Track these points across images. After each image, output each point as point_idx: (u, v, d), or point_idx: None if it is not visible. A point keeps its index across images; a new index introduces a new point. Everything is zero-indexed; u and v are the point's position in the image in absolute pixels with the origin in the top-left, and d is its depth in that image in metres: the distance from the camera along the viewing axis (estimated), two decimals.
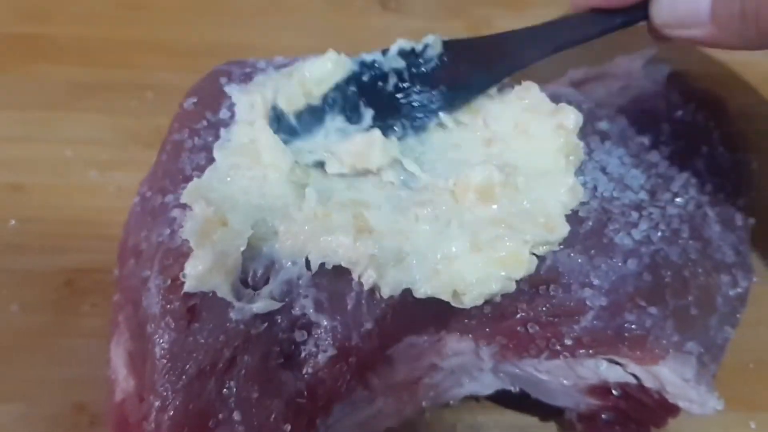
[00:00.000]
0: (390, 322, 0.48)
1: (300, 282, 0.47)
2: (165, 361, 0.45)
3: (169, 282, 0.47)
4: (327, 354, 0.46)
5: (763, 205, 0.65)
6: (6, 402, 0.56)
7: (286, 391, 0.46)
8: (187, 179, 0.51)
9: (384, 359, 0.50)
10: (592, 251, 0.51)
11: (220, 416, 0.45)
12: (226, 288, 0.46)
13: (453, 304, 0.47)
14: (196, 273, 0.46)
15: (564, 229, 0.49)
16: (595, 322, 0.50)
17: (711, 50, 0.85)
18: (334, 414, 0.48)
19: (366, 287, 0.47)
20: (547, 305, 0.50)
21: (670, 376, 0.50)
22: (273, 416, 0.45)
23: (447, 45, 0.55)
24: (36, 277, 0.61)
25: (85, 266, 0.62)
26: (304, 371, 0.46)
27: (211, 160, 0.52)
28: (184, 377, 0.45)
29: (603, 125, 0.60)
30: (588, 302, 0.50)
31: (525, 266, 0.47)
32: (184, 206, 0.49)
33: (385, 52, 0.55)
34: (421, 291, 0.46)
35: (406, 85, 0.55)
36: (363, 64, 0.54)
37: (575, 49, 0.83)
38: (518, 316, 0.50)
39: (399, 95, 0.55)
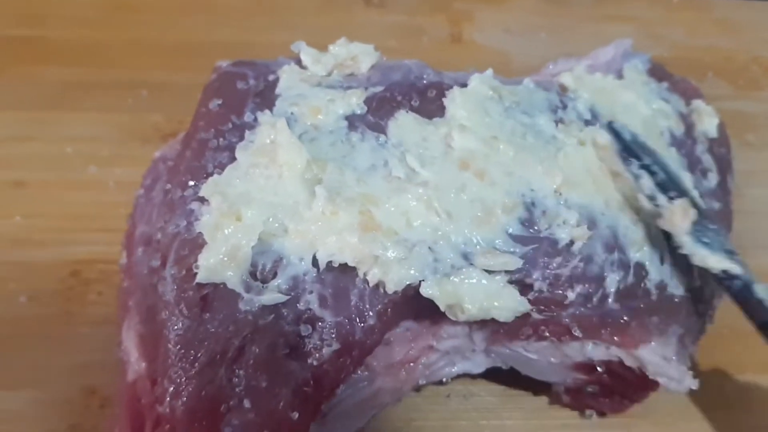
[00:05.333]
0: (391, 314, 0.51)
1: (306, 278, 0.50)
2: (178, 347, 0.48)
3: (183, 272, 0.50)
4: (331, 348, 0.49)
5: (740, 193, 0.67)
6: (18, 388, 0.58)
7: (293, 381, 0.48)
8: (209, 176, 0.53)
9: (383, 342, 0.52)
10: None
11: (231, 403, 0.47)
12: (236, 280, 0.49)
13: (446, 314, 0.50)
14: (208, 264, 0.49)
15: None
16: (581, 309, 0.53)
17: (681, 39, 0.90)
18: (337, 396, 0.51)
19: (371, 284, 0.50)
20: (537, 298, 0.53)
21: (651, 356, 0.53)
22: (281, 404, 0.48)
23: None
24: (42, 269, 0.64)
25: (89, 257, 0.64)
26: (309, 362, 0.49)
27: (232, 159, 0.54)
28: (196, 364, 0.47)
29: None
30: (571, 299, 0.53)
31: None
32: (202, 200, 0.52)
33: None
34: (429, 292, 0.50)
35: None
36: None
37: (555, 41, 0.87)
38: None
39: None
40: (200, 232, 0.50)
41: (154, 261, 0.53)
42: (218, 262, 0.49)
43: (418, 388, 0.59)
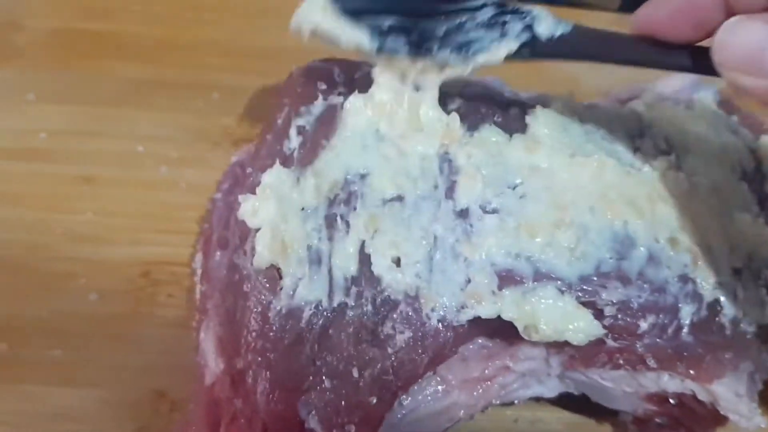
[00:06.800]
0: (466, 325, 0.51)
1: None
2: (264, 324, 0.49)
3: None
4: (404, 336, 0.50)
5: None
6: (88, 387, 0.58)
7: (372, 366, 0.49)
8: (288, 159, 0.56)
9: (457, 355, 0.52)
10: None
11: (312, 379, 0.48)
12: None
13: (521, 333, 0.50)
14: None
15: None
16: (657, 340, 0.53)
17: None
18: (413, 398, 0.51)
19: None
20: (611, 324, 0.53)
21: (725, 392, 0.53)
22: (360, 387, 0.49)
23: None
24: (113, 267, 0.63)
25: (160, 259, 0.64)
26: (387, 350, 0.50)
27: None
28: (283, 341, 0.49)
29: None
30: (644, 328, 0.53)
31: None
32: None
33: None
34: (509, 315, 0.50)
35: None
36: None
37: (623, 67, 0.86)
38: None
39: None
40: None
41: (238, 258, 0.53)
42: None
43: (485, 409, 0.59)
